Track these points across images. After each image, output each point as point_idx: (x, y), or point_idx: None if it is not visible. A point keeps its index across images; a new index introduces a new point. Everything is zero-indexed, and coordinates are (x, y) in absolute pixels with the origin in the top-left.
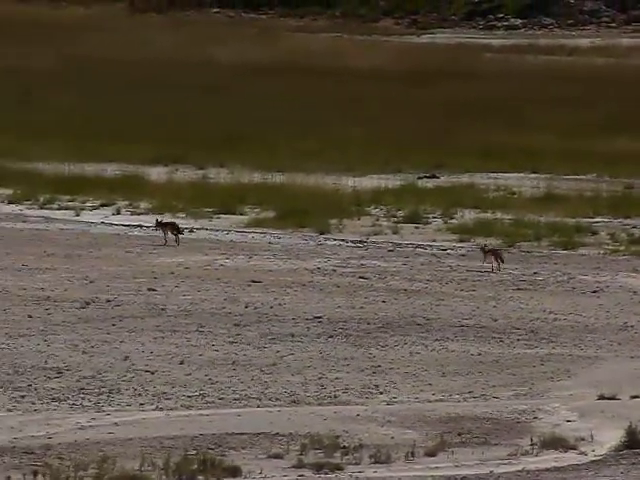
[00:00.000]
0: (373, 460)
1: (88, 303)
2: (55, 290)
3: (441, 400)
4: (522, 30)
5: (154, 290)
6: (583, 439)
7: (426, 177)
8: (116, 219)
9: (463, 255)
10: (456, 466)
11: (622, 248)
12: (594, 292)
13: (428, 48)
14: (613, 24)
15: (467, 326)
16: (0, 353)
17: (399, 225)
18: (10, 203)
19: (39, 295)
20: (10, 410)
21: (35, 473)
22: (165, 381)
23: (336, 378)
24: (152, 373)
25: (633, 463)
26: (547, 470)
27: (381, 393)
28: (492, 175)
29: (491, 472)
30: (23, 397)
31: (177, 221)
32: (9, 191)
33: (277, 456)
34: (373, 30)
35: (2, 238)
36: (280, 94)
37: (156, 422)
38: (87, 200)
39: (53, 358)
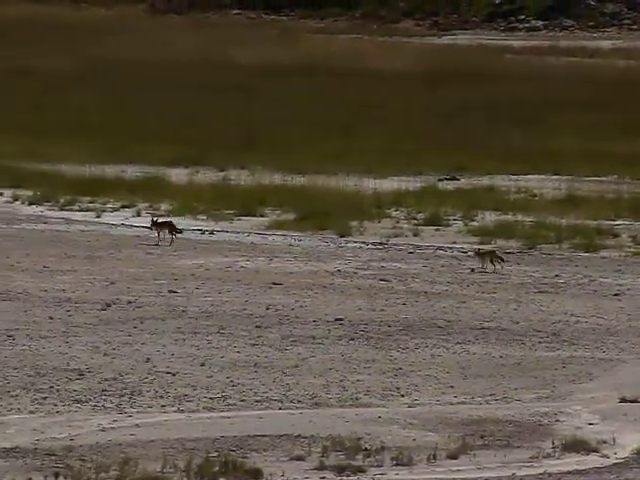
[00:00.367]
0: (395, 462)
1: (109, 305)
2: (76, 292)
3: (463, 403)
4: (543, 32)
5: (175, 292)
6: (605, 442)
7: (447, 179)
8: (137, 221)
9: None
10: (478, 469)
11: None
12: (615, 295)
13: (449, 49)
14: (634, 26)
15: (488, 329)
16: (22, 355)
17: (420, 227)
18: (31, 204)
19: (60, 297)
20: (32, 412)
21: (57, 475)
22: (186, 383)
23: (357, 380)
24: (173, 375)
25: None
26: (569, 473)
27: (402, 395)
28: (513, 177)
29: (513, 475)
30: (45, 399)
31: (175, 220)
32: (29, 192)
33: (299, 458)
34: (394, 31)
35: (22, 239)
36: (300, 96)
37: (178, 424)
38: (108, 202)
39: (75, 360)
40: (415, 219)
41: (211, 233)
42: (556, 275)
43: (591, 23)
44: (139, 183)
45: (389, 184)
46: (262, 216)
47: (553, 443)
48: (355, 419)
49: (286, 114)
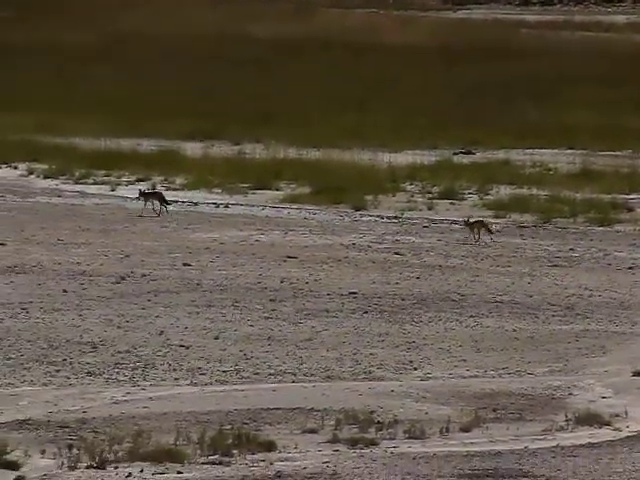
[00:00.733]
0: (408, 435)
1: (123, 278)
2: (90, 265)
3: (476, 376)
4: (558, 6)
5: (189, 265)
6: (618, 415)
7: (462, 153)
8: None
9: (499, 231)
10: (491, 442)
11: None
12: (630, 268)
13: (464, 24)
14: None
15: (502, 302)
16: (35, 327)
17: (434, 201)
18: (46, 178)
19: (74, 270)
20: (45, 384)
21: (70, 447)
22: (200, 356)
23: (371, 354)
24: (187, 348)
25: None
26: (582, 446)
27: (415, 369)
28: (528, 151)
29: (526, 448)
30: (58, 371)
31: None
32: (45, 166)
33: (312, 431)
34: (409, 5)
35: (37, 213)
36: (316, 70)
37: (191, 397)
38: (123, 175)
39: (88, 333)
40: (430, 193)
41: (226, 206)
42: (570, 249)
43: None
44: (154, 156)
45: (404, 158)
46: (277, 190)
47: (566, 416)
48: (368, 392)
49: (302, 88)
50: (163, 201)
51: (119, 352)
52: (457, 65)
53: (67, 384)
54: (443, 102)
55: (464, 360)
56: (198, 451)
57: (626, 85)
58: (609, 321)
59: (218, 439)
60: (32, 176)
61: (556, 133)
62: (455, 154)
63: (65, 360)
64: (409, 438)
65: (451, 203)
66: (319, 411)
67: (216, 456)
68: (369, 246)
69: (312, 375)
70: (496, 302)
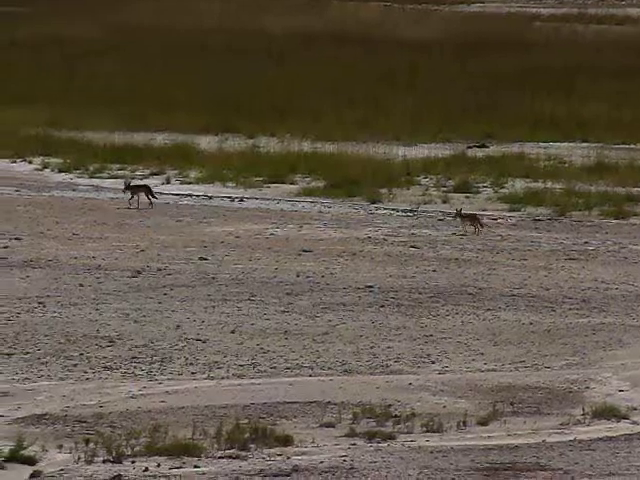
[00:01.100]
0: (425, 429)
1: (139, 272)
2: (106, 259)
3: (493, 369)
4: None
5: (205, 259)
6: (635, 409)
7: (476, 146)
8: (166, 188)
9: (514, 224)
10: (508, 435)
11: None
12: None
13: (478, 17)
14: None
15: (518, 295)
16: (52, 322)
17: (449, 194)
18: (60, 172)
19: (90, 264)
20: (62, 379)
21: (87, 441)
22: (217, 350)
23: (388, 347)
24: (204, 342)
25: None
26: (599, 440)
27: (433, 362)
28: (542, 144)
29: (543, 441)
30: (75, 366)
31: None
32: (59, 160)
33: (329, 425)
34: None
35: (52, 207)
36: (330, 63)
37: (208, 391)
38: (137, 169)
39: (105, 327)
40: (444, 186)
41: (241, 200)
42: (586, 242)
43: None
44: (168, 150)
45: (418, 151)
46: (292, 183)
47: (583, 410)
48: (385, 386)
49: (316, 82)
50: (150, 194)
51: (136, 346)
52: (471, 59)
53: (84, 378)
54: (457, 96)
55: (481, 353)
56: (215, 445)
57: None
58: (626, 314)
59: (235, 433)
60: (47, 170)
61: (570, 126)
62: (469, 147)
63: (82, 354)
64: (426, 432)
65: (466, 196)
66: (336, 405)
67: (233, 450)
68: (385, 239)
69: (329, 369)
70: (513, 295)
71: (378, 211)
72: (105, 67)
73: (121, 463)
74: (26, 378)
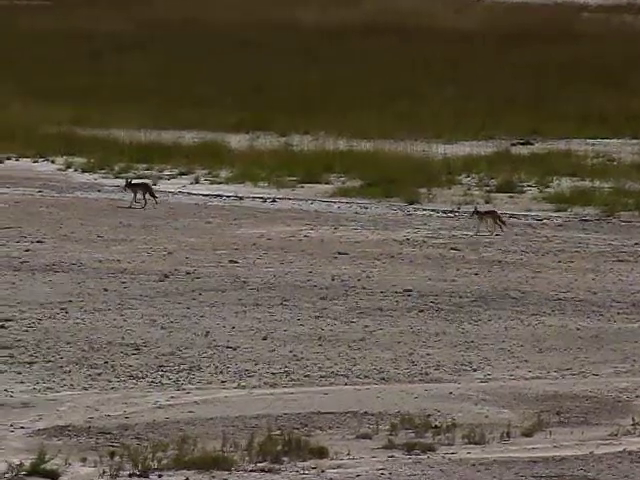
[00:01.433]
0: (466, 440)
1: (167, 276)
2: (132, 262)
3: (538, 377)
4: None
5: (235, 262)
6: None
7: (520, 143)
8: (195, 188)
9: (560, 225)
10: (554, 447)
11: None
12: None
13: (523, 7)
14: None
15: (565, 299)
16: (75, 328)
17: (492, 194)
18: (84, 172)
19: (115, 267)
20: (86, 388)
21: (112, 454)
22: (248, 358)
23: (427, 354)
24: (234, 349)
25: None
26: None
27: (475, 370)
28: (590, 141)
29: (591, 453)
30: (99, 375)
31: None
32: (83, 160)
33: (366, 436)
34: None
35: (76, 208)
36: (367, 56)
37: (238, 401)
38: (164, 169)
39: (130, 334)
40: (487, 186)
41: (273, 201)
42: (636, 243)
43: None
44: (197, 149)
45: (460, 149)
46: (326, 183)
47: (633, 420)
48: (425, 395)
49: (351, 76)
50: (150, 193)
51: (163, 354)
52: (515, 51)
53: (109, 388)
54: (500, 90)
55: (525, 361)
56: (246, 458)
57: None
58: None
59: (267, 445)
60: (70, 170)
61: (620, 121)
62: (513, 145)
63: (106, 363)
64: (468, 443)
65: (509, 196)
66: (373, 415)
67: (265, 463)
68: (424, 241)
69: (365, 377)
70: (558, 299)
71: (417, 212)
72: (133, 62)
73: (148, 477)
74: (48, 388)
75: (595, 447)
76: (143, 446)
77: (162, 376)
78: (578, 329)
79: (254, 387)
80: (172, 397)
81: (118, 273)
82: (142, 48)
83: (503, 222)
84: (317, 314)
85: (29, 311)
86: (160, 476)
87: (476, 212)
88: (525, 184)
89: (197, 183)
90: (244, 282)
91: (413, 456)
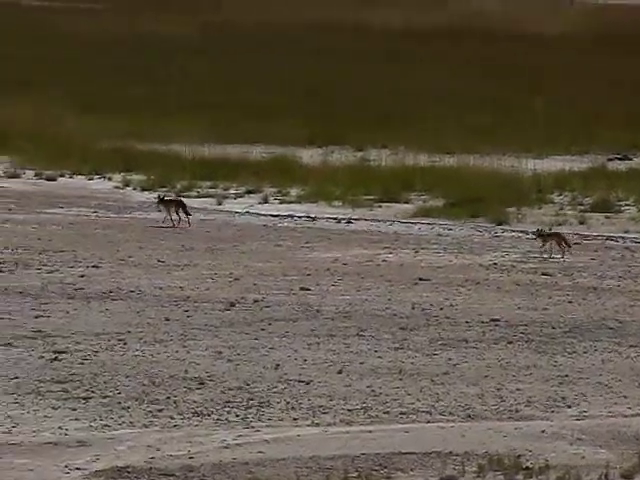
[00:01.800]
0: None
1: (233, 304)
2: (195, 289)
3: (638, 414)
4: None
5: (308, 289)
6: None
7: (618, 159)
8: (263, 208)
9: None
10: None
11: None
12: None
13: (621, 9)
14: None
15: None
16: (134, 361)
17: (587, 214)
18: (143, 190)
19: (177, 295)
20: (146, 426)
21: None
22: (322, 393)
23: (517, 389)
24: (307, 384)
25: None
26: None
27: (569, 407)
28: None
29: None
30: (161, 411)
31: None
32: (142, 177)
33: (451, 478)
34: None
35: (134, 230)
36: (450, 63)
37: (312, 439)
38: (230, 187)
39: (194, 367)
40: (581, 205)
41: (348, 222)
42: None
43: None
44: (266, 165)
45: (551, 164)
46: (406, 202)
47: None
48: (514, 433)
49: (434, 85)
50: (184, 209)
51: (230, 389)
52: (613, 57)
53: (171, 425)
54: (596, 99)
55: (624, 396)
56: None
57: None
58: None
59: None
60: (128, 188)
61: None
62: (610, 160)
63: (169, 398)
64: None
65: (606, 216)
66: (459, 455)
67: None
68: (513, 266)
69: (450, 414)
70: None
71: (505, 233)
72: (196, 69)
73: None
74: (105, 425)
75: None
76: None
77: (229, 413)
78: None
79: (329, 425)
80: (240, 436)
81: (180, 301)
82: (206, 54)
83: (568, 244)
84: (397, 345)
85: (84, 342)
86: None
87: (539, 234)
88: (623, 203)
89: (266, 202)
90: (317, 311)
91: None
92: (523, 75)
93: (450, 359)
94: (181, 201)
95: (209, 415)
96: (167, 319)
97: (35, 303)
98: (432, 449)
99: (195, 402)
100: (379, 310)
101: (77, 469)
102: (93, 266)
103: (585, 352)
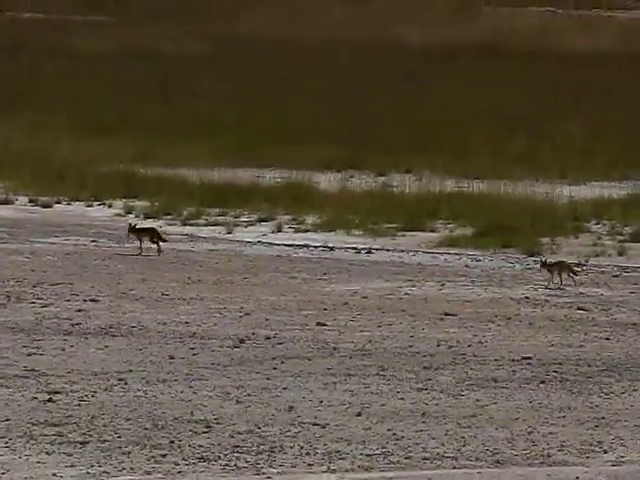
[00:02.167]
0: None
1: (243, 341)
2: (202, 325)
3: None
4: None
5: (324, 325)
6: None
7: None
8: (277, 237)
9: None
10: None
11: None
12: None
13: None
14: None
15: None
16: (136, 403)
17: (626, 244)
18: (147, 218)
19: (182, 331)
20: (149, 472)
21: None
22: (339, 437)
23: (550, 433)
24: (322, 427)
25: None
26: None
27: (605, 452)
28: None
29: None
30: (164, 456)
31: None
32: (145, 203)
33: None
34: (594, 3)
35: (137, 261)
36: (479, 82)
37: None
38: (241, 214)
39: (200, 409)
40: (621, 234)
41: (369, 252)
42: None
43: None
44: (280, 191)
45: (588, 191)
46: (431, 231)
47: None
48: None
49: (461, 106)
50: (158, 238)
51: (239, 432)
52: None
53: (175, 472)
54: (637, 121)
55: None
56: None
57: None
58: None
59: None
60: (130, 216)
61: None
62: None
63: (173, 443)
64: None
65: None
66: None
67: None
68: (546, 300)
69: (477, 459)
70: None
71: (538, 265)
72: (205, 88)
73: None
74: (104, 472)
75: None
76: None
77: (238, 458)
78: None
79: (346, 471)
80: None
81: (186, 338)
82: (218, 71)
83: (575, 273)
84: (420, 386)
85: (81, 382)
86: None
87: (543, 264)
88: None
89: (280, 231)
90: (334, 348)
91: None
92: (558, 95)
93: (478, 400)
94: (154, 229)
95: (216, 461)
96: (171, 357)
97: (28, 339)
98: None
99: (201, 447)
100: (401, 348)
101: None
102: (91, 300)
103: (623, 392)
